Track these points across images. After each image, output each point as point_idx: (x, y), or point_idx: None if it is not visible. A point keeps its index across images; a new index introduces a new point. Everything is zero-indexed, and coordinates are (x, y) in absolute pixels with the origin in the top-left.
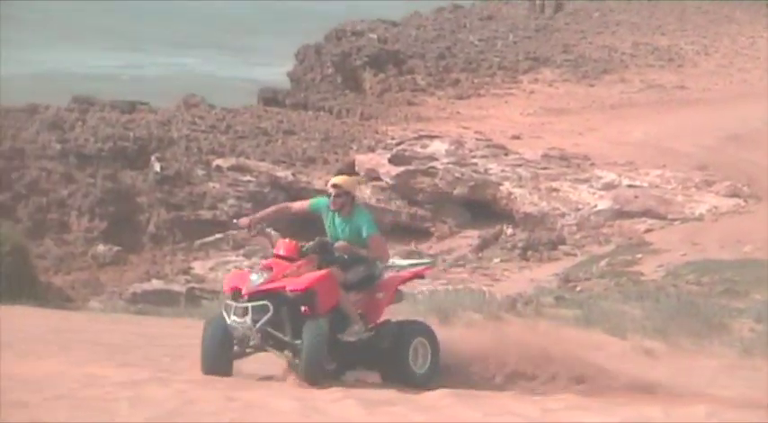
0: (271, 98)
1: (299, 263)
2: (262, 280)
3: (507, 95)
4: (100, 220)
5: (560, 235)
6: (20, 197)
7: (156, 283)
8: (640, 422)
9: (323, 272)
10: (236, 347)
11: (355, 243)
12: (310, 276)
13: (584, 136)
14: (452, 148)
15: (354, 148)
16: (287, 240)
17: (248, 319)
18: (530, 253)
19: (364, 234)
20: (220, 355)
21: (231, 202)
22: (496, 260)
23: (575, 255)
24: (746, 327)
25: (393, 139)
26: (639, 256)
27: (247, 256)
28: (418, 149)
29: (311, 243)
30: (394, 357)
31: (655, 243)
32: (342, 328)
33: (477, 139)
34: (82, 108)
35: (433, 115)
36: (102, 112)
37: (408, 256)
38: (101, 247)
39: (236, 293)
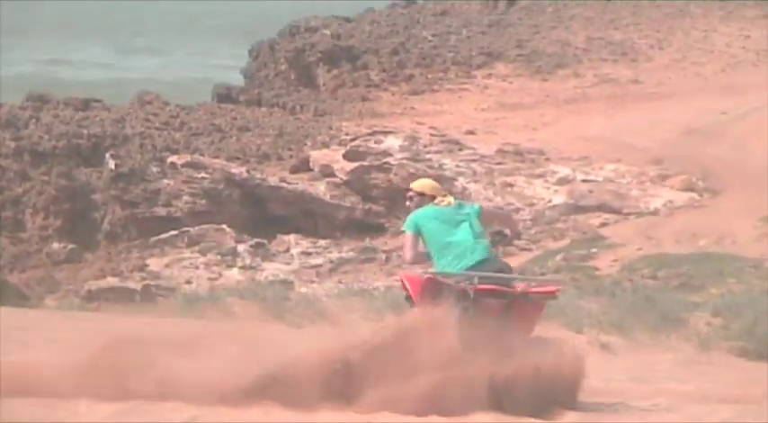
0: (225, 95)
1: None
2: None
3: (461, 91)
4: (54, 217)
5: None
6: None
7: (111, 281)
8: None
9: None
10: None
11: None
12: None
13: (539, 131)
14: (407, 143)
15: (308, 144)
16: None
17: None
18: None
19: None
20: None
21: (186, 198)
22: None
23: (530, 249)
24: (703, 321)
25: (347, 134)
26: (595, 250)
27: (202, 252)
28: (372, 145)
29: None
30: None
31: (610, 237)
32: None
33: (431, 135)
34: (35, 106)
35: (387, 111)
36: (56, 109)
37: (363, 251)
38: (56, 245)
39: None
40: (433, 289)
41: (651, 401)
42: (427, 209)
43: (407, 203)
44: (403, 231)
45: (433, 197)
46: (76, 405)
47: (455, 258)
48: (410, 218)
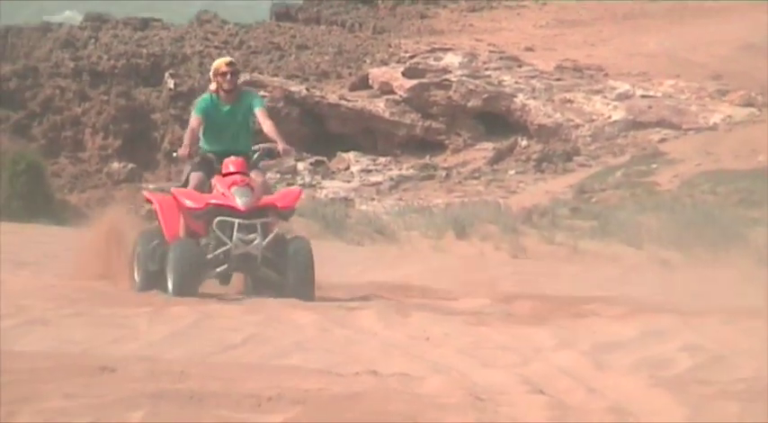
0: (283, 13)
1: (253, 176)
2: (250, 196)
3: (520, 7)
4: (114, 137)
5: (575, 146)
6: (34, 116)
7: None
8: (658, 330)
9: (298, 189)
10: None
11: (246, 126)
12: (293, 193)
13: (597, 47)
14: (466, 60)
15: (368, 61)
16: (233, 158)
17: (257, 236)
18: (545, 164)
19: (257, 108)
20: (195, 277)
21: None
22: (511, 172)
23: (589, 166)
24: (762, 236)
25: (406, 52)
26: (654, 166)
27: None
28: (432, 62)
29: (257, 154)
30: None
31: (669, 153)
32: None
33: (490, 52)
34: (94, 26)
35: (446, 28)
36: (115, 29)
37: (423, 168)
38: (115, 165)
39: (219, 210)
40: None
41: (710, 317)
42: None
43: (235, 79)
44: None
45: None
46: (136, 323)
47: None
48: None
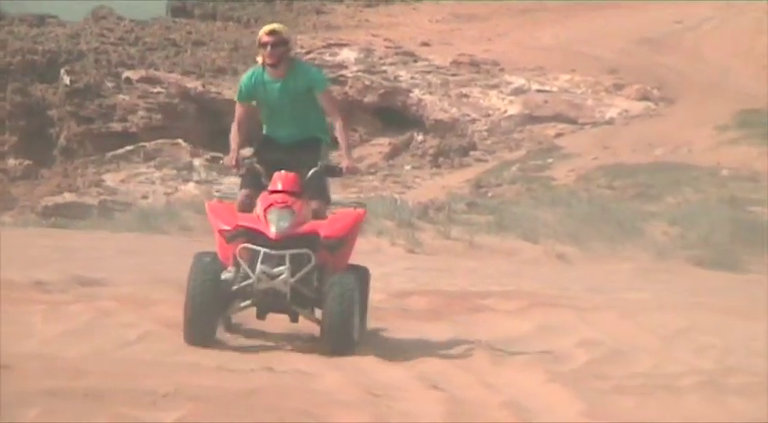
0: (180, 8)
1: (304, 199)
2: (288, 221)
3: (416, 2)
4: (10, 133)
5: (471, 141)
6: None
7: (68, 197)
8: (554, 325)
9: (356, 212)
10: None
11: (311, 106)
12: (347, 218)
13: (494, 41)
14: (362, 55)
15: None
16: (283, 173)
17: (285, 269)
18: (441, 159)
19: (320, 88)
20: (212, 317)
21: (141, 113)
22: (408, 167)
23: (486, 161)
24: (660, 230)
25: (302, 47)
26: (550, 160)
27: (158, 167)
28: (327, 58)
29: (314, 170)
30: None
31: (565, 147)
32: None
33: (386, 47)
34: None
35: (342, 23)
36: (11, 25)
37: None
38: (11, 161)
39: (248, 234)
40: None
41: (607, 311)
42: None
43: (277, 51)
44: (329, 87)
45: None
46: (32, 321)
47: None
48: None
